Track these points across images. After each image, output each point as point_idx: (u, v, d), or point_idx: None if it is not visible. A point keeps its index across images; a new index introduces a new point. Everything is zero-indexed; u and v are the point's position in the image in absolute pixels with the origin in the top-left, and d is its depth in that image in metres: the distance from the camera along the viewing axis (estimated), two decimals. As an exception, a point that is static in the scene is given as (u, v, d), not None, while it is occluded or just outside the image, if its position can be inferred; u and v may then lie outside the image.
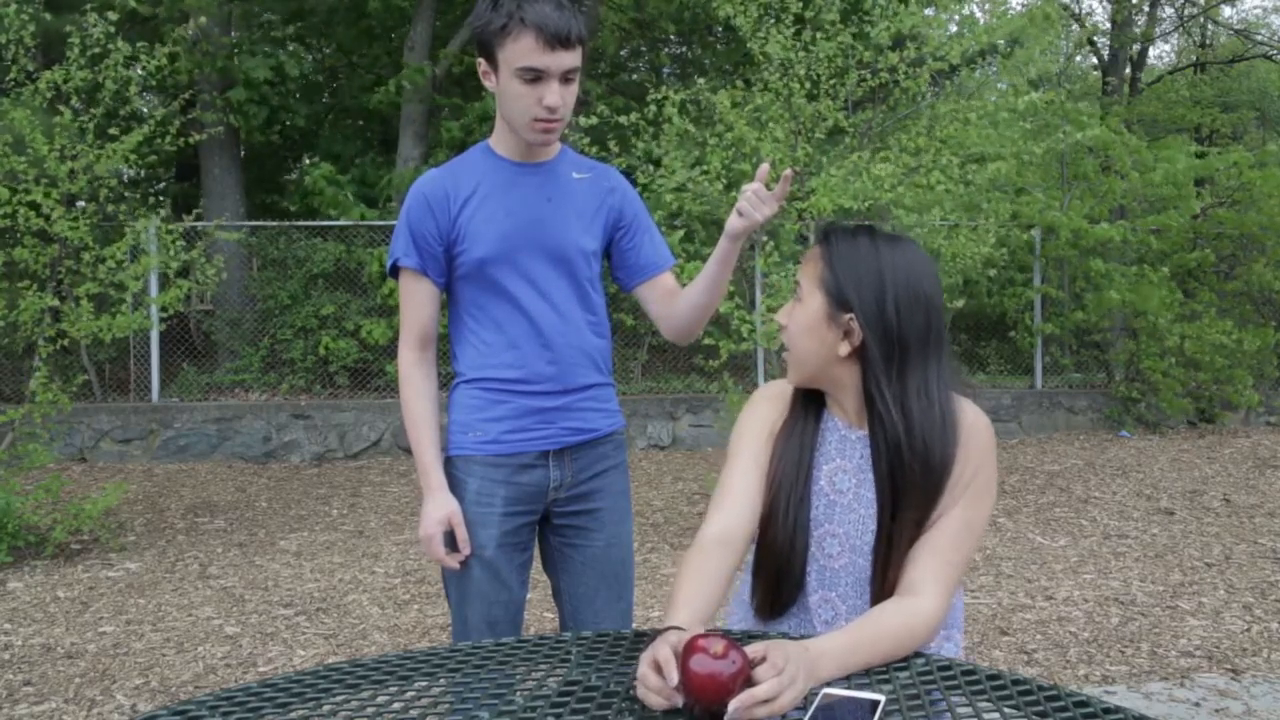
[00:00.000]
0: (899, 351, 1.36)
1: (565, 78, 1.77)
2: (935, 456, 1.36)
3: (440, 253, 1.88)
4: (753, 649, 1.11)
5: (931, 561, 1.34)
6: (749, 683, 1.08)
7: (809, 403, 1.47)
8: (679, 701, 1.08)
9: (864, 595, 1.40)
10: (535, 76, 1.75)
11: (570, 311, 1.92)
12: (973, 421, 1.41)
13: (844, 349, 1.38)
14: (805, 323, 1.40)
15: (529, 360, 1.88)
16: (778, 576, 1.42)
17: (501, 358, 1.89)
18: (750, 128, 5.67)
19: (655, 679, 1.09)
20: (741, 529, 1.39)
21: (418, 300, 1.90)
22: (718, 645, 1.08)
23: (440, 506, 1.86)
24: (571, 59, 1.76)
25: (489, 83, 1.83)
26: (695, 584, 1.31)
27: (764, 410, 1.50)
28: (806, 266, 1.42)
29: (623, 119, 6.06)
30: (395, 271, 1.91)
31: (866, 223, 1.47)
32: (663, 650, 1.11)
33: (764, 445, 1.46)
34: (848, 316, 1.37)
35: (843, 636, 1.23)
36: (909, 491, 1.36)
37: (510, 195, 1.88)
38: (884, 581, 1.37)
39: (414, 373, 1.91)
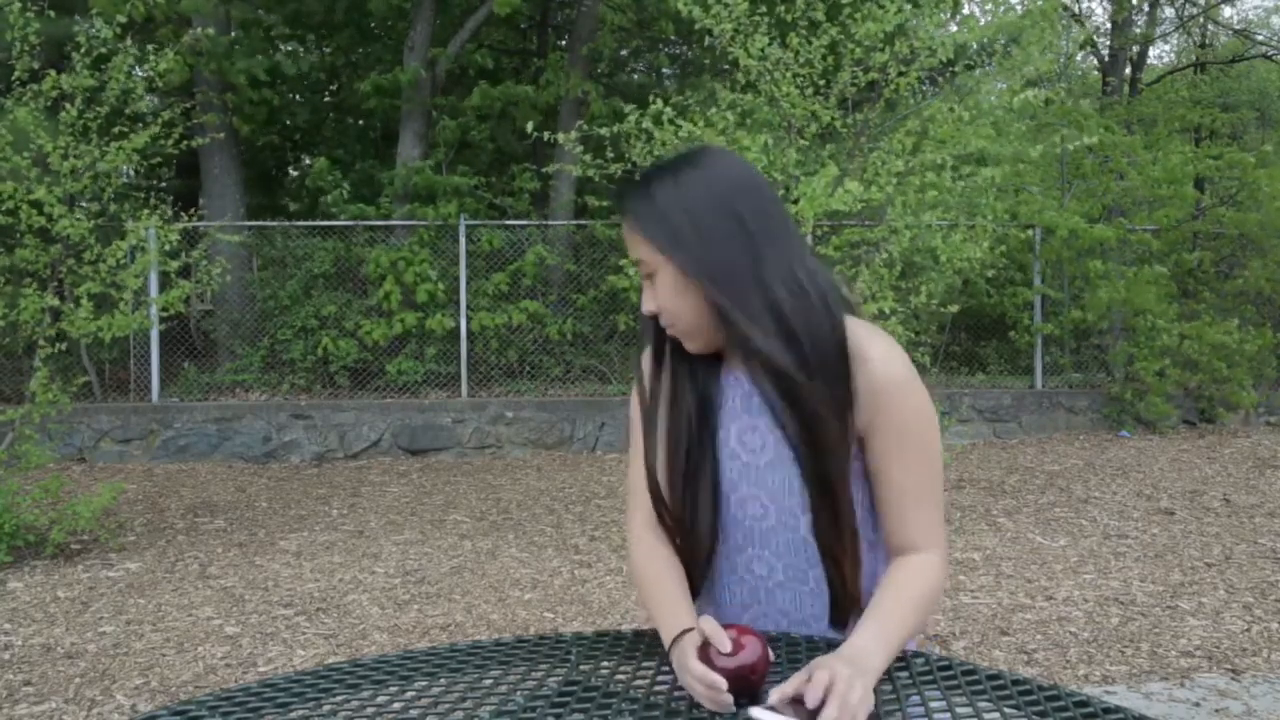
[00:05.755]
0: (727, 269, 1.26)
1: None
2: (823, 348, 1.25)
3: None
4: (798, 682, 1.07)
5: (914, 514, 1.29)
6: (765, 664, 1.09)
7: (699, 361, 1.38)
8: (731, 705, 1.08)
9: (800, 554, 1.33)
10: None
11: None
12: (875, 346, 1.28)
13: None
14: (672, 285, 1.29)
15: None
16: (687, 543, 1.37)
17: None
18: (727, 136, 5.67)
19: (712, 693, 1.08)
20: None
21: None
22: (725, 643, 1.09)
23: None
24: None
25: None
26: (664, 583, 1.31)
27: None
28: (631, 243, 1.32)
29: (606, 131, 6.06)
30: None
31: (661, 163, 1.33)
32: (696, 669, 1.10)
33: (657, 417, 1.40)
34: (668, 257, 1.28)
35: (873, 626, 1.19)
36: (816, 414, 1.25)
37: None
38: (831, 537, 1.28)
39: None
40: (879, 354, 1.27)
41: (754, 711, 1.05)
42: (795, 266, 1.28)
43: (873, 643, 1.15)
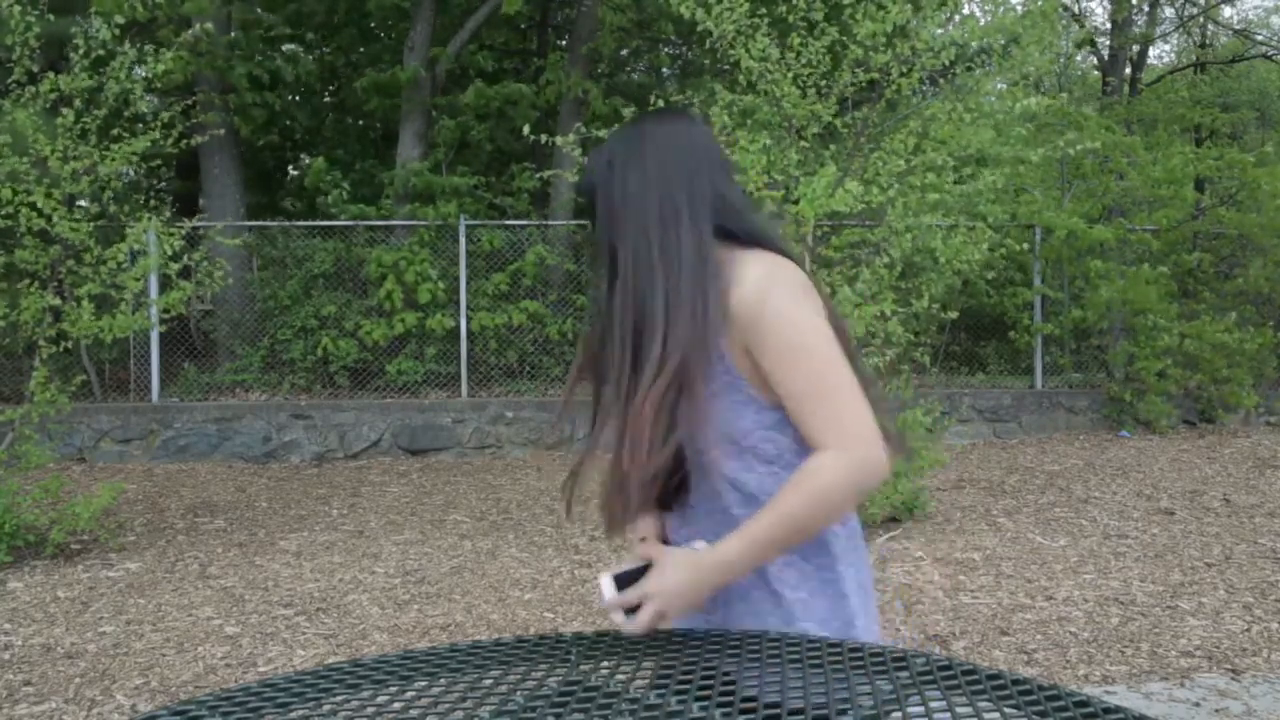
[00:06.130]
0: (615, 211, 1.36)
1: None
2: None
3: None
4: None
5: (811, 419, 1.27)
6: None
7: None
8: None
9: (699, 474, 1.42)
10: None
11: None
12: (745, 269, 1.31)
13: None
14: None
15: None
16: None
17: None
18: (726, 137, 5.68)
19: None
20: None
21: None
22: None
23: None
24: None
25: None
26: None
27: None
28: None
29: (604, 133, 6.06)
30: None
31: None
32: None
33: None
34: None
35: (742, 536, 1.28)
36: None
37: None
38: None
39: None
40: (744, 277, 1.30)
41: (603, 577, 1.29)
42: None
43: (722, 550, 1.28)
